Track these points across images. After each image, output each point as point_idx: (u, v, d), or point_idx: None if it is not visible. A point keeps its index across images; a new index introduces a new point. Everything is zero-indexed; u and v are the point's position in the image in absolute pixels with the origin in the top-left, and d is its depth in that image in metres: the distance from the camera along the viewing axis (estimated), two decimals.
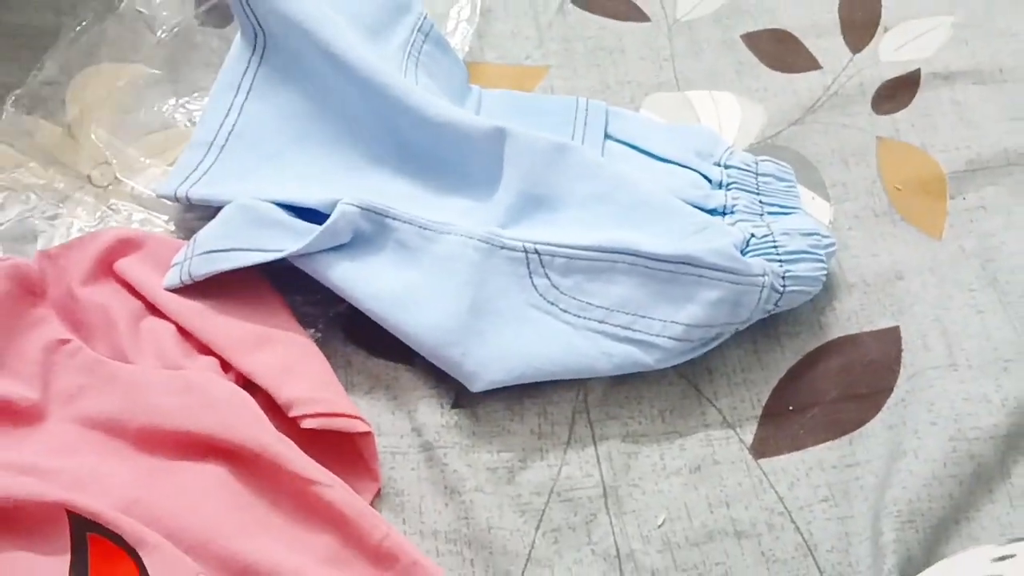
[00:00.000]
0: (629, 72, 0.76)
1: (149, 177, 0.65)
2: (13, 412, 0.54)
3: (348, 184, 0.63)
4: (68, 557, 0.50)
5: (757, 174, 0.66)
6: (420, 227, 0.59)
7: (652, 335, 0.58)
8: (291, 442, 0.53)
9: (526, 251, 0.59)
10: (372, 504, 0.55)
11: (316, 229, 0.58)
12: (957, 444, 0.56)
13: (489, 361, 0.57)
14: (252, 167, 0.63)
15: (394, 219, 0.59)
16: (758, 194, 0.65)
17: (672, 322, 0.58)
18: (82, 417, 0.55)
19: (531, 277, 0.59)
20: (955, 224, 0.67)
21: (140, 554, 0.49)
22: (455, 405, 0.59)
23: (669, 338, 0.58)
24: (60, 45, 0.67)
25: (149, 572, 0.49)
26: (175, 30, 0.70)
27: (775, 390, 0.61)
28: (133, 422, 0.54)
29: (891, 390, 0.60)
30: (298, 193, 0.60)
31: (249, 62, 0.66)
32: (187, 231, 0.64)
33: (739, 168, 0.66)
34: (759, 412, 0.59)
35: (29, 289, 0.58)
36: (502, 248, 0.59)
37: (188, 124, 0.67)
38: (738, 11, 0.79)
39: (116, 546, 0.49)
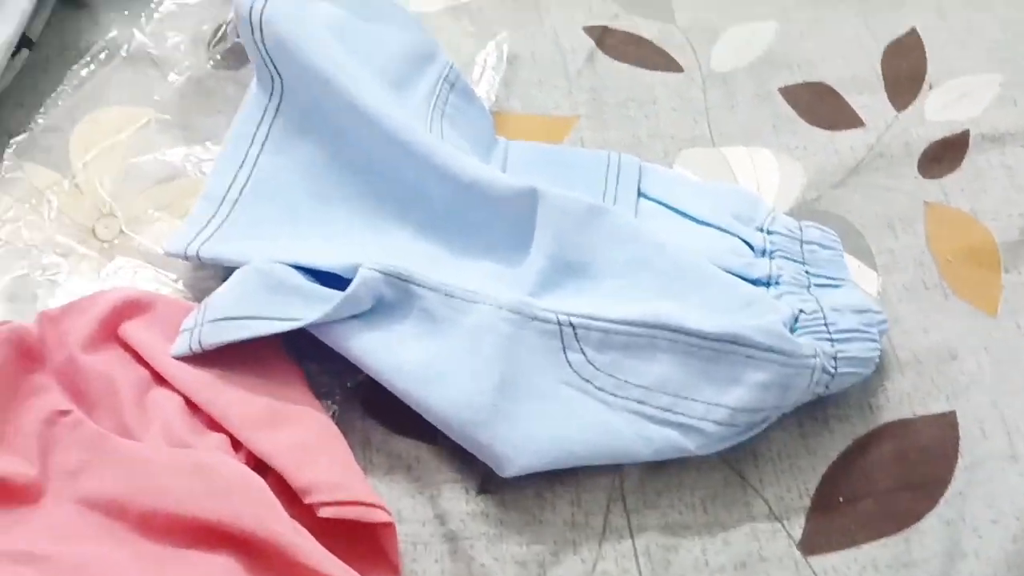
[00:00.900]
0: (661, 125, 0.72)
1: (157, 231, 0.61)
2: (9, 490, 0.50)
3: (369, 244, 0.59)
4: None
5: (802, 241, 0.62)
6: (446, 295, 0.56)
7: (695, 419, 0.54)
8: (305, 531, 0.49)
9: (560, 323, 0.55)
10: None
11: (336, 295, 0.54)
12: (1021, 547, 0.52)
13: (520, 444, 0.53)
14: (267, 224, 0.59)
15: (419, 286, 0.55)
16: (803, 263, 0.61)
17: (716, 405, 0.54)
18: (82, 497, 0.51)
19: (565, 352, 0.55)
20: (1010, 299, 0.63)
21: None
22: (481, 490, 0.55)
23: (713, 422, 0.54)
24: (64, 88, 0.63)
25: None
26: (187, 74, 0.66)
27: (824, 478, 0.57)
28: (136, 505, 0.50)
29: (948, 481, 0.56)
30: (316, 255, 0.56)
31: (265, 111, 0.62)
32: (198, 291, 0.60)
33: (783, 235, 0.62)
34: (808, 503, 0.55)
35: (28, 355, 0.54)
36: (534, 319, 0.55)
37: (199, 174, 0.64)
38: (775, 63, 0.76)
39: None
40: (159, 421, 0.53)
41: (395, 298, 0.55)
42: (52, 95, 0.63)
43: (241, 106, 0.63)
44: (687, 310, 0.54)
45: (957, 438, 0.57)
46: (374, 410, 0.57)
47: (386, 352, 0.54)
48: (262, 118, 0.62)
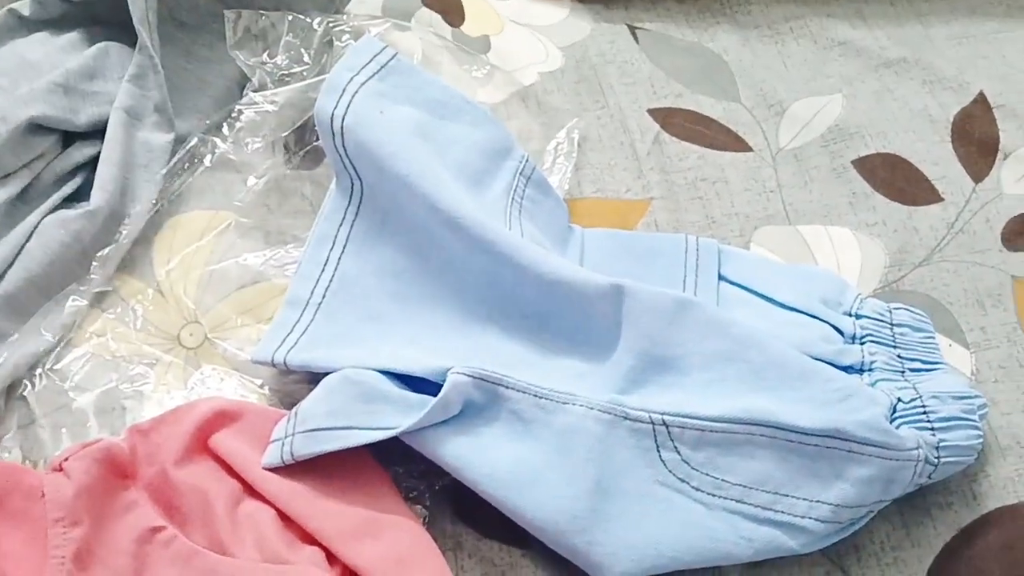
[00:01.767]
0: (735, 204, 0.72)
1: (242, 337, 0.61)
2: None
3: (455, 346, 0.59)
4: None
5: (892, 324, 0.61)
6: (536, 396, 0.55)
7: (797, 516, 0.53)
8: None
9: (653, 422, 0.54)
10: None
11: (426, 401, 0.53)
12: None
13: (618, 550, 0.52)
14: (352, 328, 0.59)
15: (508, 388, 0.55)
16: (895, 347, 0.60)
17: (819, 502, 0.53)
18: None
19: (659, 451, 0.54)
20: None
21: None
22: None
23: (816, 520, 0.53)
24: (142, 200, 0.64)
25: None
26: (266, 176, 0.66)
27: (931, 570, 0.55)
28: None
29: None
30: (405, 360, 0.56)
31: (345, 213, 0.63)
32: (284, 395, 0.60)
33: (872, 319, 0.61)
34: None
35: (120, 471, 0.54)
36: (626, 419, 0.54)
37: (281, 277, 0.64)
38: (846, 135, 0.75)
39: None
40: (253, 535, 0.52)
41: (484, 401, 0.55)
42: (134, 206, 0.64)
43: (322, 209, 0.63)
44: (783, 405, 0.53)
45: None
46: (464, 513, 0.57)
47: (477, 458, 0.53)
48: (342, 220, 0.62)
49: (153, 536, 0.52)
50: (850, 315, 0.61)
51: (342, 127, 0.61)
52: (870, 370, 0.58)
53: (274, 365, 0.58)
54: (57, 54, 0.65)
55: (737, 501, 0.53)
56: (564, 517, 0.52)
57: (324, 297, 0.60)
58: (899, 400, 0.56)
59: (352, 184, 0.62)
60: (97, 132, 0.65)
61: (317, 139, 0.65)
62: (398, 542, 0.52)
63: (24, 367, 0.58)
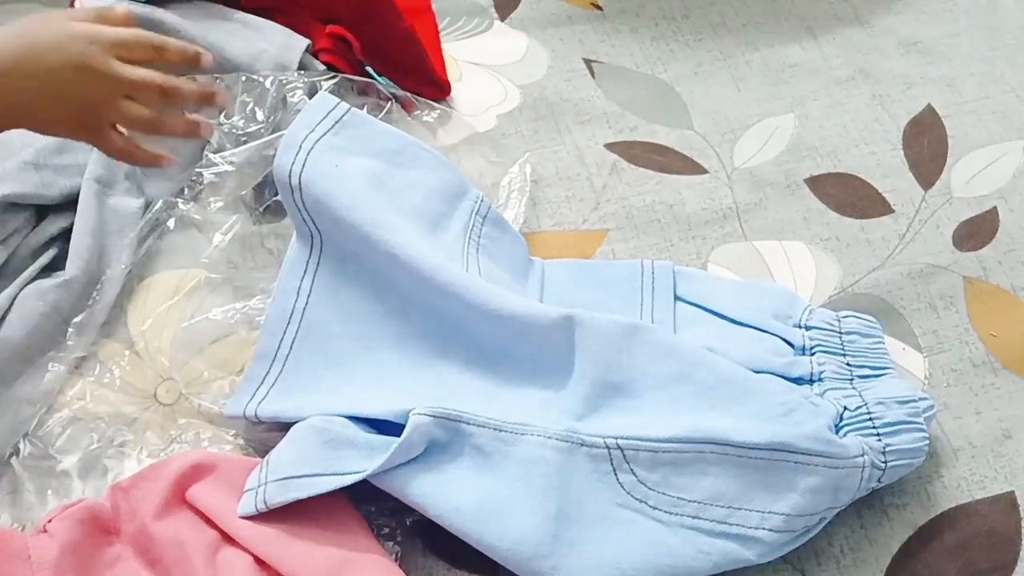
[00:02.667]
0: (692, 226, 0.74)
1: (215, 390, 0.64)
2: None
3: (418, 383, 0.61)
4: None
5: (841, 333, 0.63)
6: (495, 429, 0.57)
7: (751, 528, 0.54)
8: None
9: (608, 447, 0.56)
10: None
11: (391, 442, 0.56)
12: None
13: (583, 572, 0.54)
14: (319, 376, 0.61)
15: (468, 423, 0.57)
16: (844, 355, 0.62)
17: (771, 512, 0.54)
18: None
19: (616, 474, 0.56)
20: None
21: None
22: None
23: (770, 530, 0.54)
24: (114, 266, 0.66)
25: None
26: (231, 233, 0.69)
27: (888, 571, 0.56)
28: None
29: (1015, 563, 0.56)
30: (368, 404, 0.58)
31: (307, 265, 0.65)
32: (258, 443, 0.62)
33: (822, 329, 0.63)
34: None
35: (104, 528, 0.56)
36: (582, 445, 0.56)
37: (251, 329, 0.66)
38: (799, 154, 0.77)
39: None
40: None
41: (447, 438, 0.57)
42: (107, 272, 0.67)
43: (284, 261, 0.66)
44: (731, 422, 0.55)
45: (1020, 518, 0.57)
46: (435, 545, 0.59)
47: (442, 494, 0.55)
48: (304, 271, 0.65)
49: None
50: (799, 327, 0.63)
51: (300, 183, 0.63)
52: (820, 380, 0.60)
53: (246, 419, 0.60)
54: (21, 133, 0.68)
55: (693, 517, 0.55)
56: (529, 545, 0.54)
57: (291, 348, 0.62)
58: (845, 408, 0.57)
59: (312, 236, 0.65)
60: (69, 203, 0.68)
61: (276, 194, 0.67)
62: None
63: (10, 439, 0.60)
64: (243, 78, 0.70)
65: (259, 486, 0.56)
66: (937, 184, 0.74)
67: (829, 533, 0.58)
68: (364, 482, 0.57)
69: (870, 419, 0.57)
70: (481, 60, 0.85)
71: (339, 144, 0.66)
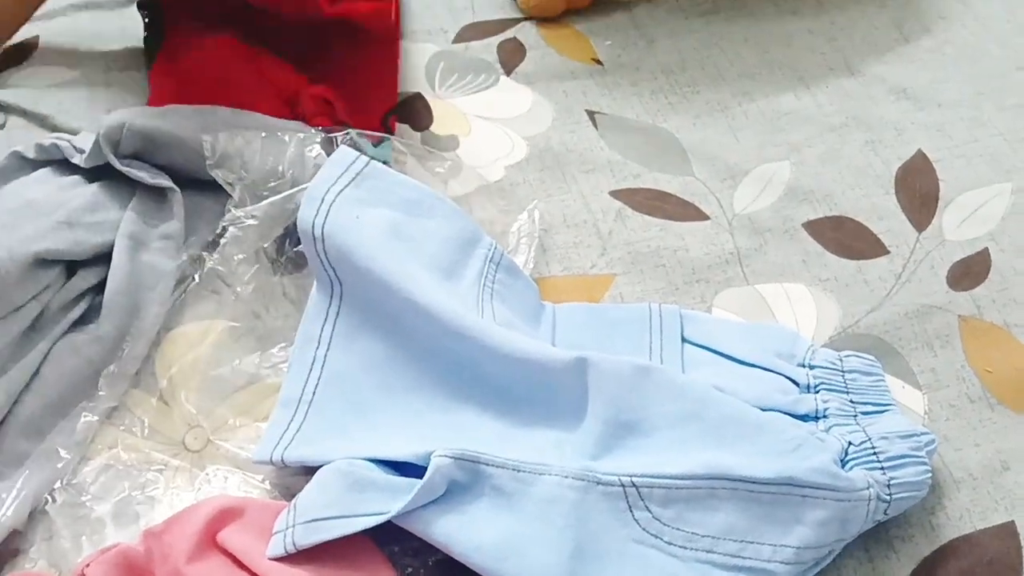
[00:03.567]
0: (696, 271, 0.77)
1: (241, 436, 0.66)
2: None
3: (438, 426, 0.63)
4: None
5: (843, 371, 0.66)
6: (514, 470, 0.59)
7: (763, 561, 0.57)
8: None
9: (623, 485, 0.58)
10: None
11: (414, 483, 0.58)
12: None
13: None
14: (342, 421, 0.64)
15: (488, 464, 0.59)
16: (847, 392, 0.64)
17: (782, 545, 0.57)
18: None
19: (631, 511, 0.58)
20: None
21: None
22: None
23: (781, 563, 0.56)
24: (145, 320, 0.69)
25: None
26: (252, 284, 0.72)
27: None
28: None
29: None
30: (390, 448, 0.60)
31: (327, 313, 0.68)
32: (285, 488, 0.64)
33: (825, 367, 0.66)
34: None
35: (138, 572, 0.58)
36: (598, 484, 0.58)
37: (274, 376, 0.69)
38: (796, 199, 0.80)
39: None
40: None
41: (467, 479, 0.59)
42: (133, 328, 0.69)
43: (305, 311, 0.68)
44: (740, 458, 0.58)
45: (1020, 547, 0.59)
46: None
47: (464, 533, 0.58)
48: (325, 319, 0.67)
49: None
50: (803, 366, 0.66)
51: (323, 234, 0.66)
52: (824, 416, 0.63)
53: (272, 463, 0.62)
54: (59, 193, 0.71)
55: (707, 552, 0.57)
56: None
57: (314, 394, 0.65)
58: (850, 443, 0.60)
59: (332, 285, 0.67)
60: (98, 257, 0.70)
61: (297, 245, 0.70)
62: None
63: (46, 488, 0.63)
64: (262, 134, 0.73)
65: (287, 528, 0.58)
66: (930, 227, 0.77)
67: (838, 565, 0.60)
68: (388, 523, 0.59)
69: (874, 453, 0.59)
70: (488, 114, 0.88)
71: (359, 196, 0.69)
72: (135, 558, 0.58)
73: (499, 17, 0.96)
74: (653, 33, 0.94)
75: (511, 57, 0.92)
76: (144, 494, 0.63)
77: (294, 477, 0.64)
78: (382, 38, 0.91)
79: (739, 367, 0.67)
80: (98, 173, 0.73)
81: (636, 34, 0.94)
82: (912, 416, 0.66)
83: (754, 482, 0.57)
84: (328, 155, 0.72)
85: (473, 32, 0.94)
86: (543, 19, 0.96)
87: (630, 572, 0.57)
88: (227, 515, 0.60)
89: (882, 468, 0.59)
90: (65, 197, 0.70)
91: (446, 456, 0.58)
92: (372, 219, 0.68)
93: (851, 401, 0.64)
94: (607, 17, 0.96)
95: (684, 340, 0.70)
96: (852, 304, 0.73)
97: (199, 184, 0.74)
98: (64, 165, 0.74)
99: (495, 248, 0.73)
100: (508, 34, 0.94)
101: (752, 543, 0.57)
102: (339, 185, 0.69)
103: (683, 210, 0.80)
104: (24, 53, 0.92)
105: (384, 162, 0.78)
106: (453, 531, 0.57)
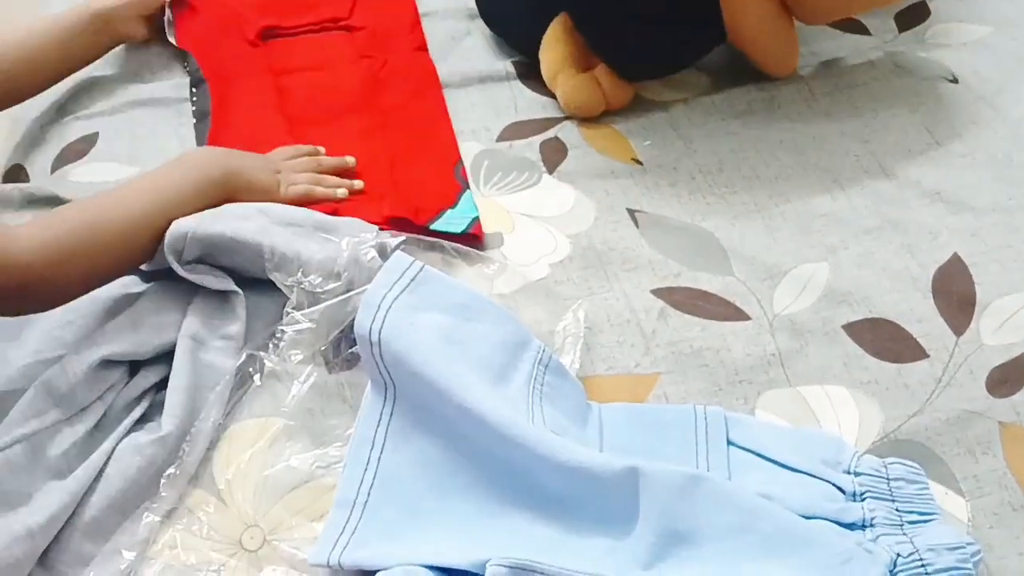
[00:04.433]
0: (739, 371, 0.78)
1: (297, 537, 0.67)
2: None
3: (490, 531, 0.65)
4: None
5: (888, 479, 0.67)
6: None
7: None
8: None
9: None
10: None
11: None
12: None
13: None
14: (397, 524, 0.65)
15: (543, 573, 0.60)
16: (893, 500, 0.66)
17: None
18: None
19: None
20: None
21: None
22: None
23: None
24: (205, 420, 0.71)
25: None
26: (308, 383, 0.74)
27: None
28: None
29: None
30: (447, 555, 0.62)
31: (381, 415, 0.69)
32: None
33: (870, 475, 0.67)
34: None
35: None
36: None
37: (328, 476, 0.70)
38: (834, 301, 0.82)
39: None
40: None
41: None
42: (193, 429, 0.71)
43: (359, 413, 0.70)
44: (791, 572, 0.59)
45: None
46: None
47: None
48: (379, 421, 0.69)
49: None
50: (849, 472, 0.67)
51: (379, 339, 0.68)
52: (871, 525, 0.64)
53: (329, 566, 0.64)
54: (122, 290, 0.73)
55: None
56: None
57: (369, 496, 0.66)
58: (899, 555, 0.61)
59: (386, 388, 0.69)
60: (159, 355, 0.73)
61: (351, 347, 0.72)
62: None
63: None
64: (321, 235, 0.76)
65: None
66: (968, 331, 0.79)
67: None
68: None
69: (923, 566, 0.60)
70: (532, 212, 0.90)
71: (414, 302, 0.71)
72: None
73: (541, 116, 0.99)
74: (690, 134, 0.97)
75: (553, 156, 0.95)
76: None
77: None
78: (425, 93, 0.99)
79: (785, 472, 0.69)
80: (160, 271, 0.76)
81: (674, 135, 0.97)
82: (956, 524, 0.67)
83: None
84: (382, 258, 0.75)
85: (516, 131, 0.97)
86: (584, 119, 0.98)
87: None
88: None
89: None
90: (129, 297, 0.72)
91: (502, 565, 0.59)
92: (425, 324, 0.70)
93: (897, 510, 0.65)
94: (645, 117, 0.99)
95: (729, 443, 0.71)
96: (893, 408, 0.74)
97: (256, 283, 0.77)
98: None
99: (544, 350, 0.74)
100: (550, 133, 0.97)
101: None
102: (395, 291, 0.71)
103: (724, 310, 0.82)
104: (84, 148, 0.95)
105: (474, 218, 0.85)
106: None
